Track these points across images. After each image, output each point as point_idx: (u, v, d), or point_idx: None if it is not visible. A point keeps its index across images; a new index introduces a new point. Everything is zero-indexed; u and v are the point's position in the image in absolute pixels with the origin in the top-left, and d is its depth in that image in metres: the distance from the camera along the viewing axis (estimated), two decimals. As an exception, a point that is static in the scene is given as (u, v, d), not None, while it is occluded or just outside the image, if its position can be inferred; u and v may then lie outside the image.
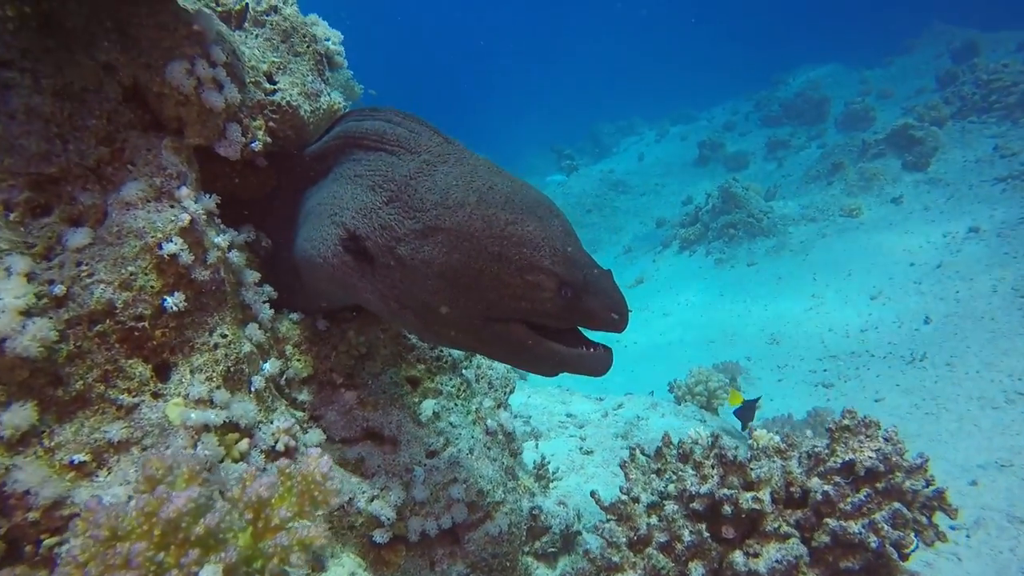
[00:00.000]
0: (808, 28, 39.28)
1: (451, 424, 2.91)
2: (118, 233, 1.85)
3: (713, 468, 2.08)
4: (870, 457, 1.98)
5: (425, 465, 2.71)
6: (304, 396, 2.68)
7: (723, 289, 11.48)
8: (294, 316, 2.72)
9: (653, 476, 2.36)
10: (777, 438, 2.25)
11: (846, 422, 2.12)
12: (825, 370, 8.34)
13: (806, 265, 11.32)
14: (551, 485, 3.87)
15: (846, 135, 16.68)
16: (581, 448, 4.51)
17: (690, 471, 2.15)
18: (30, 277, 1.74)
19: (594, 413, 5.09)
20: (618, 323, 1.82)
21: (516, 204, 1.89)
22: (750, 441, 2.30)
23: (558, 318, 1.82)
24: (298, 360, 2.70)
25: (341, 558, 2.35)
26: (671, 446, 2.47)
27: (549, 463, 3.90)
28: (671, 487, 2.17)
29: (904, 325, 8.83)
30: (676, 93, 30.82)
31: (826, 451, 2.08)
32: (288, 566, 1.31)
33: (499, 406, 3.30)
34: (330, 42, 3.54)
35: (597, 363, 1.85)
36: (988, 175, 12.38)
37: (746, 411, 5.74)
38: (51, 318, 1.74)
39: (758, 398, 5.93)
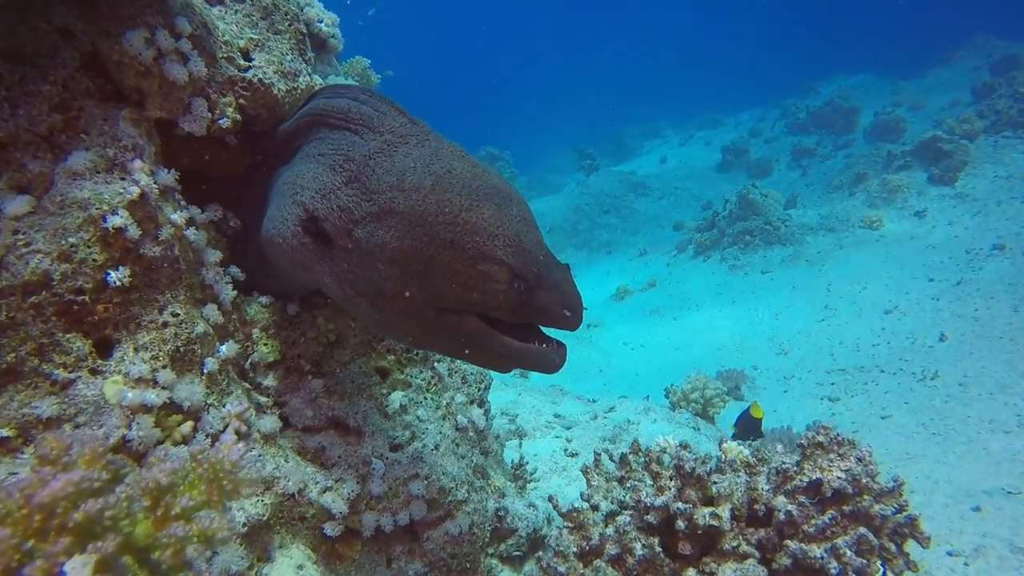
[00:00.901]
0: (843, 38, 38.53)
1: (418, 418, 2.83)
2: (61, 203, 1.80)
3: (671, 480, 1.97)
4: (839, 478, 1.86)
5: (387, 459, 2.64)
6: (269, 381, 2.62)
7: (735, 296, 11.26)
8: (263, 299, 2.67)
9: (615, 484, 2.27)
10: (747, 451, 2.14)
11: (819, 438, 2.01)
12: (833, 383, 8.12)
13: (821, 275, 11.07)
14: (529, 486, 3.78)
15: (873, 146, 16.29)
16: (566, 450, 4.42)
17: (647, 481, 2.04)
18: (-36, 244, 1.69)
19: (583, 415, 4.99)
20: (570, 320, 1.73)
21: (473, 190, 1.80)
22: (718, 453, 2.19)
23: (510, 312, 1.74)
24: (265, 344, 2.64)
25: (290, 549, 2.29)
26: (639, 453, 2.37)
27: (528, 463, 3.81)
28: (630, 495, 2.07)
29: (917, 341, 8.57)
30: (704, 98, 30.43)
31: (795, 468, 1.97)
32: (184, 559, 1.24)
33: (472, 402, 3.21)
34: (323, 24, 3.48)
35: (550, 358, 1.77)
36: (1019, 192, 11.98)
37: (747, 427, 5.55)
38: (-17, 286, 1.69)
39: (758, 416, 5.72)
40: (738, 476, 2.01)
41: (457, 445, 2.93)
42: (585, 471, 2.35)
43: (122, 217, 1.82)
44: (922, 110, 18.16)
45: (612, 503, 2.21)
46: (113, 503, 1.19)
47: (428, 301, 1.80)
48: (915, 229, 11.89)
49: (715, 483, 1.99)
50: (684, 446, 2.18)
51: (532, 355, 1.76)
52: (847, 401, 7.59)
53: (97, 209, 1.81)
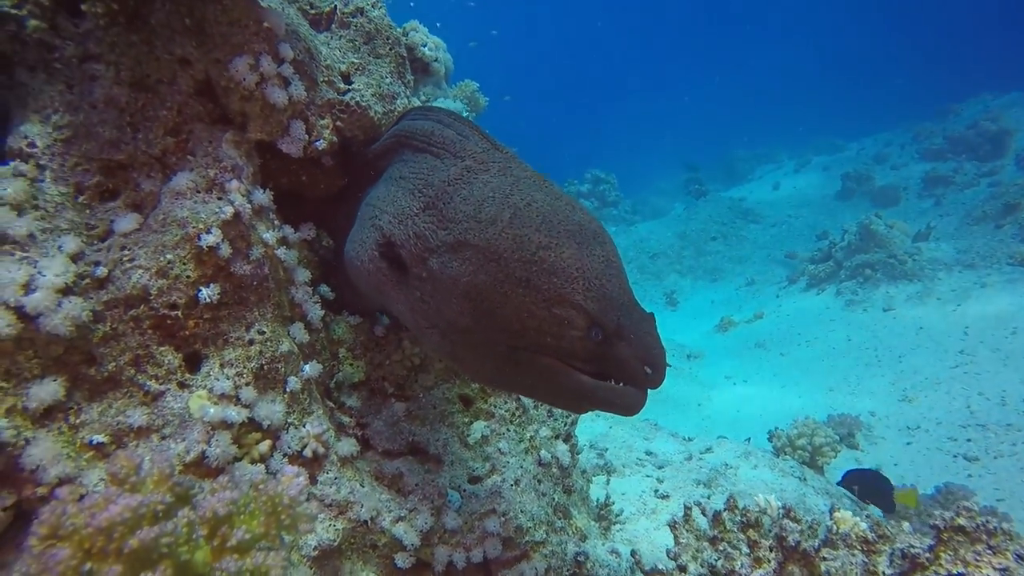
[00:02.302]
0: (990, 54, 35.05)
1: (500, 450, 2.73)
2: (163, 221, 1.87)
3: (771, 551, 1.73)
4: None
5: (465, 491, 2.55)
6: (352, 401, 2.62)
7: (851, 334, 10.31)
8: (351, 319, 2.68)
9: (706, 544, 2.04)
10: (864, 525, 1.85)
11: (961, 521, 1.68)
12: (969, 440, 7.18)
13: (956, 316, 9.90)
14: (614, 527, 3.56)
15: (1028, 173, 14.56)
16: (656, 491, 4.14)
17: (743, 548, 1.81)
18: (77, 257, 1.79)
19: (677, 454, 4.68)
20: (650, 379, 1.56)
21: (554, 225, 1.68)
22: (829, 523, 1.91)
23: (584, 361, 1.60)
24: (350, 364, 2.65)
25: (359, 576, 2.24)
26: (735, 511, 2.12)
27: (614, 503, 3.60)
28: (722, 563, 1.84)
29: (1081, 400, 7.42)
30: (823, 122, 28.71)
31: (927, 555, 1.66)
32: (236, 594, 1.19)
33: (557, 437, 3.07)
34: (427, 48, 3.54)
35: (628, 399, 1.60)
36: None
37: (865, 483, 4.85)
38: (90, 298, 1.78)
39: (909, 504, 4.90)
40: (853, 554, 1.73)
41: (539, 482, 2.79)
42: (673, 526, 2.14)
43: (215, 236, 1.87)
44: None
45: (701, 566, 1.98)
46: (170, 530, 1.16)
47: (500, 340, 1.70)
48: (1078, 268, 10.41)
49: (824, 560, 1.72)
50: (788, 511, 1.92)
51: (608, 394, 1.60)
52: (988, 463, 6.67)
53: (193, 227, 1.86)
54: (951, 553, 1.64)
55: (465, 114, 8.21)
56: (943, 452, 7.04)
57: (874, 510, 5.02)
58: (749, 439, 5.74)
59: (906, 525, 1.81)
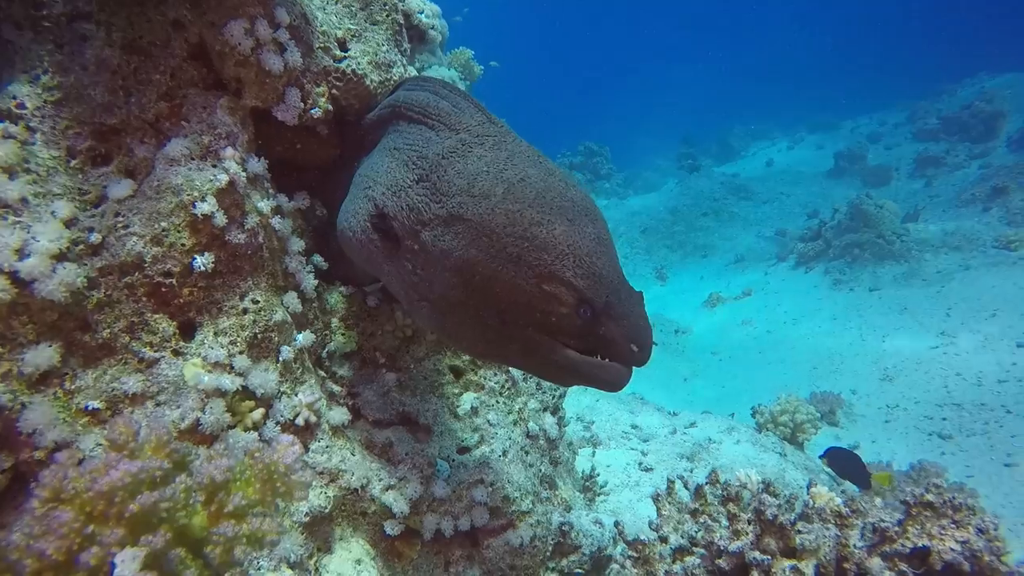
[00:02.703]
0: (987, 33, 34.82)
1: (488, 422, 2.78)
2: (157, 188, 1.86)
3: (750, 524, 1.79)
4: (952, 549, 1.62)
5: (453, 461, 2.60)
6: (344, 371, 2.65)
7: (836, 313, 10.47)
8: (344, 289, 2.69)
9: (687, 517, 2.10)
10: (839, 500, 1.92)
11: (929, 497, 1.76)
12: (944, 419, 7.37)
13: (940, 298, 10.07)
14: (598, 499, 3.65)
15: (1019, 156, 14.64)
16: (641, 464, 4.24)
17: (723, 521, 1.87)
18: (71, 223, 1.78)
19: (662, 428, 4.78)
20: (636, 357, 1.59)
21: (546, 202, 1.69)
22: (806, 497, 1.98)
23: (573, 337, 1.62)
24: (343, 334, 2.67)
25: (349, 542, 2.30)
26: (716, 484, 2.19)
27: (599, 475, 3.68)
28: (702, 534, 1.91)
29: (1056, 382, 7.61)
30: (818, 99, 28.53)
31: (896, 528, 1.74)
32: (233, 559, 1.23)
33: (545, 409, 3.12)
34: (423, 15, 3.48)
35: (613, 375, 1.63)
36: None
37: (843, 462, 4.99)
38: (85, 265, 1.78)
39: (884, 483, 5.06)
40: (827, 528, 1.80)
41: (526, 453, 2.86)
42: (656, 498, 2.20)
43: (210, 204, 1.86)
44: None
45: (682, 537, 2.05)
46: (170, 495, 1.19)
47: (490, 314, 1.72)
48: (1062, 254, 10.58)
49: (799, 532, 1.79)
50: (767, 486, 1.99)
51: (594, 369, 1.63)
52: (961, 441, 6.86)
53: (188, 195, 1.86)
54: (918, 527, 1.71)
55: (459, 82, 8.10)
56: (919, 430, 7.23)
57: (850, 486, 5.19)
58: (733, 414, 5.86)
59: (879, 500, 1.88)
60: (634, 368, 1.68)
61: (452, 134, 1.95)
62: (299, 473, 1.35)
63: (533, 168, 1.77)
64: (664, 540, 2.06)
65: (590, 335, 1.60)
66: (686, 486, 2.33)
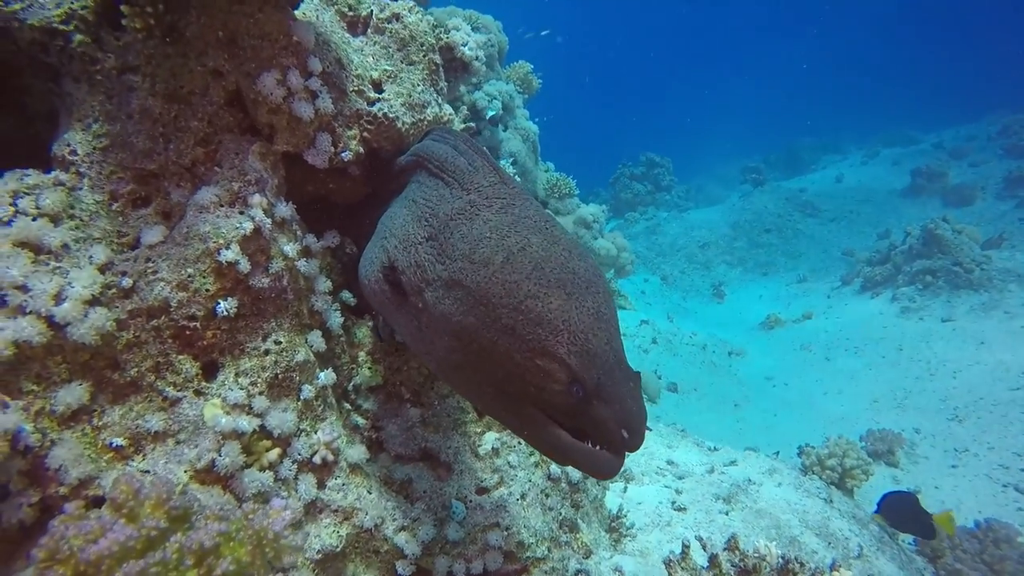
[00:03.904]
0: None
1: (509, 463, 2.76)
2: (186, 235, 1.94)
3: (759, 611, 1.70)
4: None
5: (471, 502, 2.60)
6: (369, 404, 2.70)
7: (903, 343, 9.86)
8: (372, 323, 2.74)
9: (701, 587, 2.02)
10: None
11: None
12: (1023, 470, 6.82)
13: (1024, 334, 9.35)
14: (624, 539, 3.57)
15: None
16: (674, 503, 4.12)
17: (733, 604, 1.79)
18: (106, 267, 1.88)
19: (699, 466, 4.62)
20: (626, 443, 1.53)
21: (545, 273, 1.66)
22: (828, 581, 1.86)
23: (564, 415, 1.58)
24: (369, 368, 2.71)
25: (361, 580, 2.32)
26: (735, 552, 2.10)
27: (627, 515, 3.60)
28: (712, 612, 1.83)
29: None
30: (897, 111, 27.12)
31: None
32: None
33: (570, 450, 3.07)
34: (467, 48, 3.51)
35: (601, 464, 1.58)
36: None
37: (901, 509, 4.63)
38: (116, 308, 1.87)
39: (947, 528, 4.64)
40: (846, 621, 1.69)
41: (546, 496, 2.82)
42: (668, 564, 2.13)
43: (234, 251, 1.93)
44: None
45: (693, 610, 1.97)
46: (159, 559, 1.23)
47: (487, 381, 1.71)
48: None
49: (816, 623, 1.69)
50: (787, 563, 1.89)
51: (584, 456, 1.58)
52: (1039, 495, 6.33)
53: (214, 243, 1.93)
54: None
55: (517, 96, 8.06)
56: (991, 480, 6.71)
57: (906, 538, 4.87)
58: (778, 453, 5.61)
59: (976, 546, 1.74)
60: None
61: (463, 194, 1.95)
62: (289, 538, 1.37)
63: (536, 236, 1.75)
64: (674, 609, 1.98)
65: (581, 416, 1.56)
66: (704, 548, 2.25)
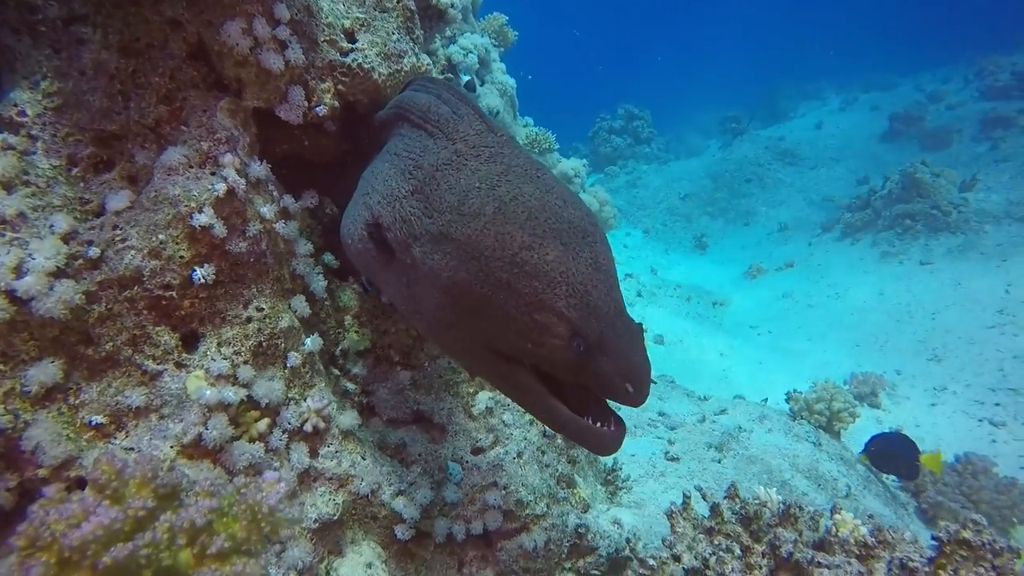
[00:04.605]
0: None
1: (504, 422, 2.73)
2: (155, 199, 1.82)
3: (764, 556, 1.70)
4: (985, 597, 1.50)
5: (467, 463, 2.57)
6: (358, 369, 2.63)
7: (884, 287, 10.00)
8: (357, 286, 2.65)
9: (702, 536, 2.02)
10: (865, 529, 1.80)
11: (966, 535, 1.63)
12: (997, 404, 7.01)
13: (999, 273, 9.50)
14: (620, 493, 3.60)
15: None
16: (667, 453, 4.15)
17: (736, 549, 1.79)
18: (69, 237, 1.76)
19: (690, 416, 4.66)
20: (631, 397, 1.46)
21: (539, 223, 1.56)
22: (829, 523, 1.87)
23: (565, 371, 1.52)
24: (356, 332, 2.64)
25: (361, 546, 2.30)
26: (735, 500, 2.10)
27: (622, 469, 3.62)
28: (715, 560, 1.83)
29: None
30: (876, 55, 26.81)
31: (926, 568, 1.62)
32: (214, 602, 1.21)
33: (564, 407, 3.05)
34: (441, -6, 3.33)
35: (600, 440, 1.52)
36: None
37: (889, 451, 4.71)
38: (84, 280, 1.76)
39: (934, 469, 4.74)
40: (849, 563, 1.70)
41: (542, 453, 2.80)
42: (670, 515, 2.13)
43: (208, 215, 1.81)
44: None
45: (696, 559, 1.97)
46: (148, 541, 1.17)
47: (480, 340, 1.63)
48: None
49: (817, 565, 1.69)
50: (787, 508, 1.88)
51: (580, 431, 1.53)
52: (1016, 429, 6.53)
53: (185, 206, 1.81)
54: (951, 569, 1.59)
55: (492, 49, 7.81)
56: (968, 416, 6.91)
57: (893, 480, 4.99)
58: (767, 399, 5.69)
59: (907, 533, 1.76)
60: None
61: (449, 144, 1.84)
62: (284, 511, 1.32)
63: (529, 184, 1.65)
64: (677, 559, 1.99)
65: (583, 370, 1.49)
66: (704, 498, 2.25)
